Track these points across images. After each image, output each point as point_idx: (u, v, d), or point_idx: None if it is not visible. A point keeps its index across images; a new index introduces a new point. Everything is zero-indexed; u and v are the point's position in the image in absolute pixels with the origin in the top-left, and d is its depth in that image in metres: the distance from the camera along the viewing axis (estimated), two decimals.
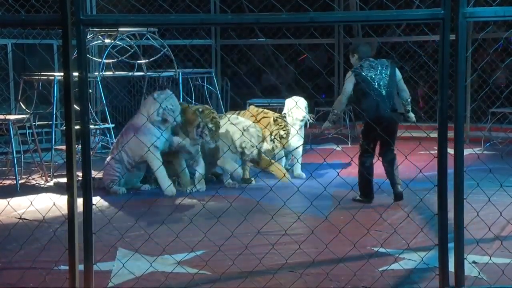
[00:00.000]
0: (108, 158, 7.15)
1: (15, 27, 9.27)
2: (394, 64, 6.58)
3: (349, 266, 4.30)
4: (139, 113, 7.03)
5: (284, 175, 7.17)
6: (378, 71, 6.43)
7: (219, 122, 7.19)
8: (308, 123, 8.11)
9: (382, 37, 11.95)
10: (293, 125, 7.66)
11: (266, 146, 7.48)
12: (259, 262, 4.27)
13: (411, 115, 6.63)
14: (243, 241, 4.51)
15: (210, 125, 7.02)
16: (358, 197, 6.46)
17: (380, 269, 4.34)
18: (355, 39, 11.94)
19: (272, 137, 7.41)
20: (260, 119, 7.48)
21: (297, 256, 4.46)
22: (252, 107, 8.20)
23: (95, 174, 6.76)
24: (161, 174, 6.79)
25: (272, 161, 7.39)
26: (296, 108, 7.68)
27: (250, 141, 7.16)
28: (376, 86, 6.37)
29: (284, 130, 7.44)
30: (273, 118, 7.50)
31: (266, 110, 7.82)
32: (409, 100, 6.59)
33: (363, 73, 6.42)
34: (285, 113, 7.89)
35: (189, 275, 4.19)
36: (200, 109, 7.18)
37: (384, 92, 6.37)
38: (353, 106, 6.42)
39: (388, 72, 6.44)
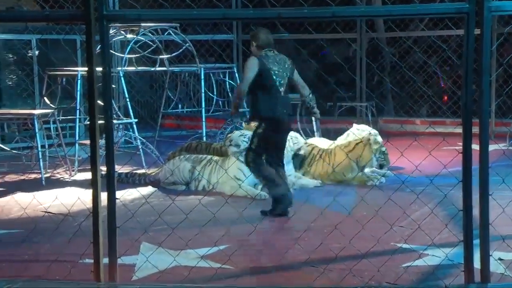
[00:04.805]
0: None
1: (39, 23, 9.35)
2: (293, 66, 5.94)
3: (373, 262, 4.28)
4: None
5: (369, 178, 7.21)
6: (281, 68, 5.78)
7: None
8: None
9: (405, 32, 11.84)
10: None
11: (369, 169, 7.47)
12: (282, 258, 4.26)
13: (316, 111, 6.08)
14: (266, 236, 4.51)
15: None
16: (272, 210, 5.47)
17: (404, 265, 4.31)
18: (377, 34, 11.86)
19: (377, 156, 7.31)
20: (355, 145, 7.45)
21: (320, 252, 4.45)
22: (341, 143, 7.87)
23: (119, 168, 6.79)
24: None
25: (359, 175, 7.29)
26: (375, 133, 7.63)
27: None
28: (277, 84, 5.73)
29: (383, 146, 7.36)
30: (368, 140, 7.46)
31: (355, 138, 7.75)
32: (311, 95, 6.03)
33: (268, 66, 5.69)
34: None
35: (212, 269, 4.20)
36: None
37: (282, 93, 5.76)
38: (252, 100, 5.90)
39: (288, 73, 5.82)
